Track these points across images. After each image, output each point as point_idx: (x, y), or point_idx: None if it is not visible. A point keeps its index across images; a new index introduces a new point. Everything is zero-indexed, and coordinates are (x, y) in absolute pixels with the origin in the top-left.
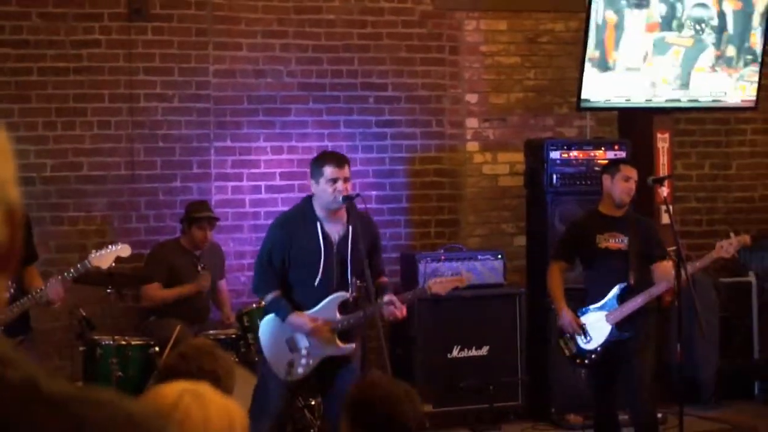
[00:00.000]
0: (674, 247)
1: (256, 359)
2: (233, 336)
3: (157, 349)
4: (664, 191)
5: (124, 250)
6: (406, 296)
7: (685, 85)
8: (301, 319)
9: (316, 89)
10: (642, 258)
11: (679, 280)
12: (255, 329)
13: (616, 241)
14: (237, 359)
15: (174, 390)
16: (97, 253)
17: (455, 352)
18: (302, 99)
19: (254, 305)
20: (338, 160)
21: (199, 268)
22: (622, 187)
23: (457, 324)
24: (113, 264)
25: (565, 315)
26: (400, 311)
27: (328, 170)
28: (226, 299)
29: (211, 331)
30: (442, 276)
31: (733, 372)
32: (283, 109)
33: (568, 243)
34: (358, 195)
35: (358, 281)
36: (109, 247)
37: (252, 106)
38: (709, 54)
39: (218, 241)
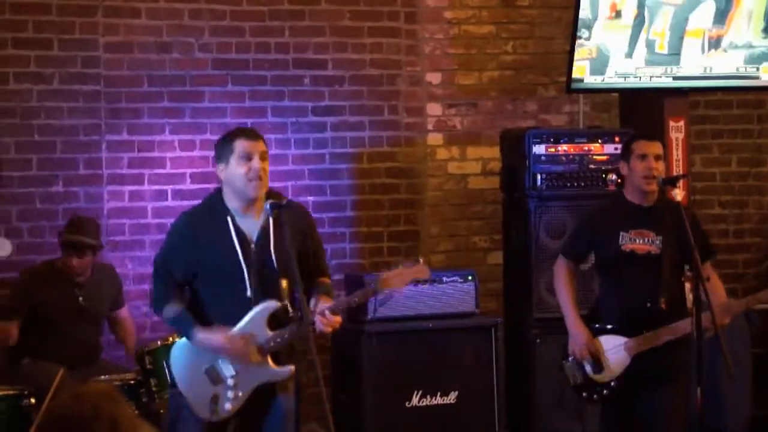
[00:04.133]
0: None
1: (162, 411)
2: (132, 382)
3: (32, 400)
4: (677, 194)
5: (2, 247)
6: (351, 300)
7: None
8: (210, 335)
9: (236, 67)
10: (678, 263)
11: (698, 307)
12: (160, 372)
13: (645, 242)
14: (137, 411)
15: None
16: None
17: (415, 400)
18: (219, 80)
19: (159, 342)
20: (250, 131)
21: (80, 299)
22: (639, 169)
23: (418, 363)
24: None
25: (579, 335)
26: (331, 323)
27: (240, 144)
28: (131, 330)
29: (103, 377)
30: (396, 269)
31: None
32: (195, 92)
33: (582, 236)
34: (290, 203)
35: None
36: None
37: (154, 88)
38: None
39: (113, 261)
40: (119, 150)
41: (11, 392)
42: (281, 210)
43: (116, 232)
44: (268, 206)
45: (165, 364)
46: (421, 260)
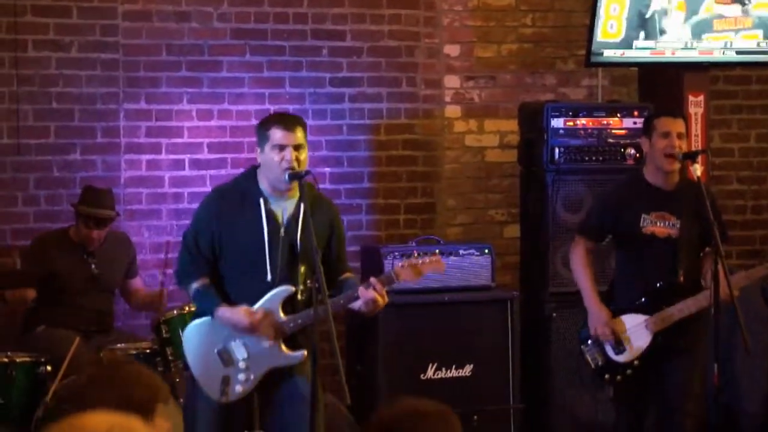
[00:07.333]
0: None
1: (178, 379)
2: (148, 351)
3: (48, 368)
4: (697, 170)
5: None
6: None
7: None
8: (235, 313)
9: (254, 37)
10: (696, 245)
11: (716, 282)
12: (176, 342)
13: (666, 225)
14: None
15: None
16: None
17: (430, 373)
18: (237, 49)
19: (175, 311)
20: (288, 121)
21: (93, 267)
22: (661, 147)
23: (433, 337)
24: None
25: (600, 314)
26: (382, 296)
27: (275, 134)
28: (148, 299)
29: (119, 345)
30: (411, 260)
31: None
32: (213, 62)
33: (601, 216)
34: (308, 172)
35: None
36: None
37: (172, 57)
38: None
39: (129, 230)
40: (137, 119)
41: (28, 360)
42: (301, 181)
43: (133, 201)
44: (287, 177)
45: (180, 335)
46: (437, 251)
